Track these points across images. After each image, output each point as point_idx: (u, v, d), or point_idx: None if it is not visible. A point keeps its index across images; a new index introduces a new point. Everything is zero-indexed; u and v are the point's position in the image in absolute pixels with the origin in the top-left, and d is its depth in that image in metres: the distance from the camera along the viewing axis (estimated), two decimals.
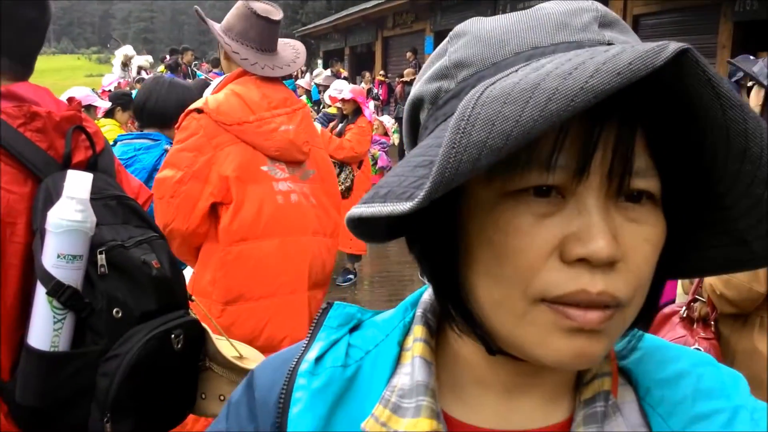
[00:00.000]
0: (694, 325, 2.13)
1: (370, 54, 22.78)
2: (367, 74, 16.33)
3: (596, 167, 0.48)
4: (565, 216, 0.48)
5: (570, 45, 0.51)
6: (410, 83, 13.73)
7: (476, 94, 0.43)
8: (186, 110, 2.37)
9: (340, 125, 6.42)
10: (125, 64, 11.34)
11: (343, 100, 6.43)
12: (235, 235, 2.29)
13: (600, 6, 0.55)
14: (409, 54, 15.42)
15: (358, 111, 6.35)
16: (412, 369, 0.58)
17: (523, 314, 0.50)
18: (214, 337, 1.49)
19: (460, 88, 0.54)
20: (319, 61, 24.37)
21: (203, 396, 1.48)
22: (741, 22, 8.38)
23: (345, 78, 15.08)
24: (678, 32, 9.19)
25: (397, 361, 0.61)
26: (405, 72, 14.32)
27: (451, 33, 0.58)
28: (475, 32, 0.55)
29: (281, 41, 2.58)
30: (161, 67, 12.65)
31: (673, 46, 0.41)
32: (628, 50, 0.41)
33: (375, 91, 15.84)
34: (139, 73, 11.10)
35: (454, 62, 0.55)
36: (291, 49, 2.58)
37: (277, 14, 2.46)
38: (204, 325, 1.49)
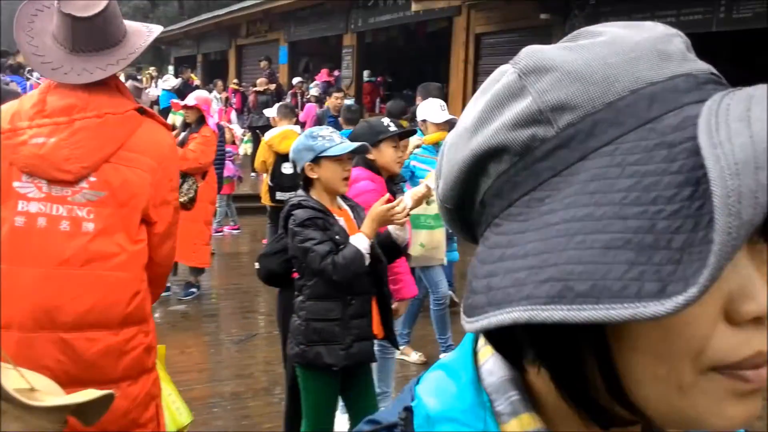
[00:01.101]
0: None
1: (224, 62, 22.40)
2: (219, 83, 15.99)
3: None
4: None
5: (687, 78, 0.47)
6: (263, 93, 13.56)
7: (717, 161, 0.37)
8: None
9: (183, 134, 6.10)
10: None
11: (185, 107, 6.09)
12: None
13: (674, 29, 0.51)
14: (263, 63, 15.23)
15: (202, 119, 6.04)
16: None
17: (691, 386, 0.45)
18: (2, 366, 1.39)
19: (567, 135, 0.47)
20: (170, 68, 23.66)
21: None
22: None
23: (197, 86, 14.71)
24: (516, 51, 9.40)
25: None
26: (258, 81, 14.11)
27: (522, 68, 0.50)
28: (564, 67, 0.48)
29: (140, 29, 2.30)
30: None
31: None
32: None
33: (229, 99, 15.57)
34: None
35: (550, 105, 0.48)
36: (143, 40, 2.26)
37: (90, 8, 2.11)
38: None
